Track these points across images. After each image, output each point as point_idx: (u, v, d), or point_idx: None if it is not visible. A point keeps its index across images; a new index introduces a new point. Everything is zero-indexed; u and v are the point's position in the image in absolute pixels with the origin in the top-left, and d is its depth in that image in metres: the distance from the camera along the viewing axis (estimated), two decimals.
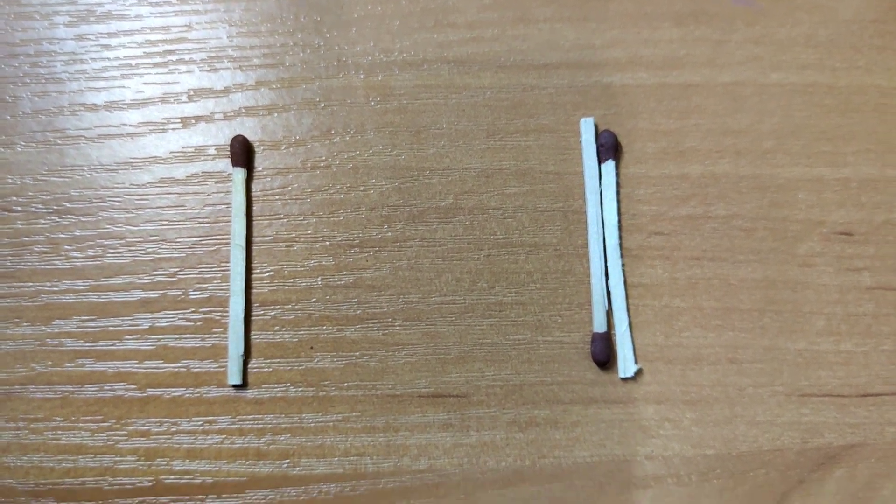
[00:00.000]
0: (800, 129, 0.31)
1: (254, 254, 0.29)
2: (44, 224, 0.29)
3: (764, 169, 0.31)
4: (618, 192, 0.30)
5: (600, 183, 0.30)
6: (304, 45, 0.30)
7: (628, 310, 0.29)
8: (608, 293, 0.29)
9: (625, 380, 0.29)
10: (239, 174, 0.29)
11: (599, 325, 0.29)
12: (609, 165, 0.30)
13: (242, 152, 0.29)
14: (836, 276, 0.30)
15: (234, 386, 0.28)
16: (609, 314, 0.29)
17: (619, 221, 0.30)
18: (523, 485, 0.28)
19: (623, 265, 0.29)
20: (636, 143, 0.30)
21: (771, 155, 0.31)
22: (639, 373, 0.29)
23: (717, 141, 0.31)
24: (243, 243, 0.29)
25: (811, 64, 0.31)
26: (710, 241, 0.30)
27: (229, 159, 0.29)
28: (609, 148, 0.30)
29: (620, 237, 0.30)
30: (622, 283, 0.29)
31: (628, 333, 0.29)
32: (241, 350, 0.28)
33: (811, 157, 0.31)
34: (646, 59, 0.31)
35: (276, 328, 0.29)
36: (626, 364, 0.29)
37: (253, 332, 0.29)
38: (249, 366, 0.29)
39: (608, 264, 0.29)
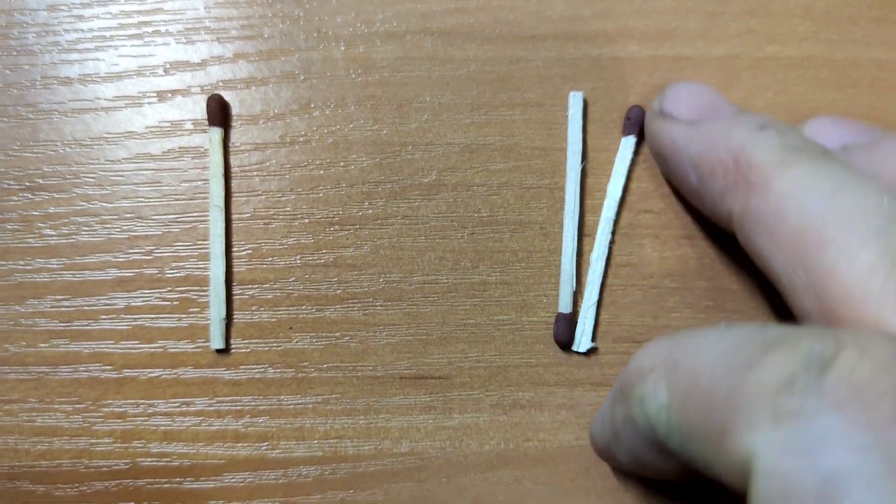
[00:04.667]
0: (795, 104, 0.30)
1: (231, 231, 0.28)
2: (16, 201, 0.28)
3: None
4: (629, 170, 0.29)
5: (583, 159, 0.29)
6: (283, 15, 0.29)
7: (602, 287, 0.28)
8: (577, 273, 0.28)
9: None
10: (216, 133, 0.28)
11: (565, 306, 0.28)
12: (629, 140, 0.29)
13: (219, 111, 0.28)
14: None
15: (218, 351, 0.28)
16: (577, 294, 0.28)
17: (623, 198, 0.29)
18: (507, 468, 0.28)
19: (612, 242, 0.29)
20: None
21: None
22: (624, 354, 0.28)
23: None
24: (222, 204, 0.28)
25: (807, 36, 0.30)
26: (700, 218, 0.29)
27: (206, 134, 0.29)
28: (635, 123, 0.28)
29: (618, 214, 0.29)
30: (604, 258, 0.28)
31: (593, 310, 0.28)
32: (224, 313, 0.28)
33: None
34: (637, 31, 0.30)
35: (254, 308, 0.28)
36: (582, 339, 0.28)
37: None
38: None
39: (599, 240, 0.28)
